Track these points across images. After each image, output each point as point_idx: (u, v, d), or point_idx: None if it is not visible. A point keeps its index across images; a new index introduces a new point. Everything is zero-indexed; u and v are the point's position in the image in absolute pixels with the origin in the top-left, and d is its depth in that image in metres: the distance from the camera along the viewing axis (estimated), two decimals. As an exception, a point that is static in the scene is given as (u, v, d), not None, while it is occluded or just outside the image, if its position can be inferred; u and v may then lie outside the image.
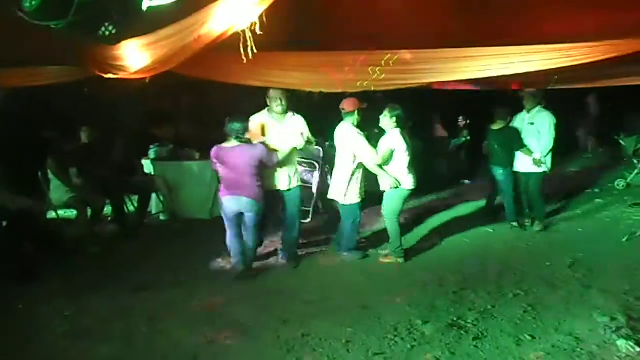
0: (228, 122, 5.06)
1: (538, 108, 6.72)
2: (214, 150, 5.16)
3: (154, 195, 7.61)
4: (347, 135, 5.61)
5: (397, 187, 5.56)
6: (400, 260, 5.74)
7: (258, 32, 2.30)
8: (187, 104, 9.71)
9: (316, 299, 4.82)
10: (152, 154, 7.88)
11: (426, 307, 4.59)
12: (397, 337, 4.06)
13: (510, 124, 6.91)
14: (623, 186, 8.66)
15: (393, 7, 3.90)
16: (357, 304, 4.68)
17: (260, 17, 2.25)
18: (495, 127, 6.90)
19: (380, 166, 5.55)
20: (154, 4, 1.74)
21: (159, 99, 8.31)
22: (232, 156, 5.07)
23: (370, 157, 5.54)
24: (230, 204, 5.14)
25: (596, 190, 8.78)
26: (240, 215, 5.23)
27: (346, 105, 5.62)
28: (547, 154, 6.65)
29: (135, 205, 7.36)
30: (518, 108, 6.94)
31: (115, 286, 5.19)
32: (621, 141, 9.20)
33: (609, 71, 4.94)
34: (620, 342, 3.76)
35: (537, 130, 6.65)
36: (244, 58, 2.43)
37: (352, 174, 5.66)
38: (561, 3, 3.66)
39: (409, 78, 4.29)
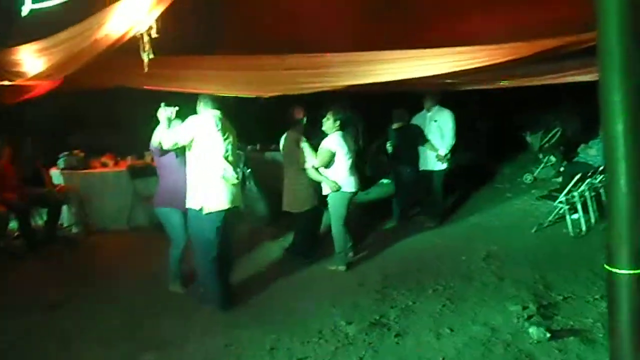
0: None
1: (438, 106, 7.08)
2: None
3: (65, 207, 7.17)
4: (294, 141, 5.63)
5: (337, 190, 5.51)
6: (342, 267, 5.58)
7: (154, 35, 2.22)
8: (100, 109, 9.24)
9: (241, 307, 4.73)
10: (61, 163, 7.45)
11: (350, 307, 4.63)
12: (321, 339, 4.06)
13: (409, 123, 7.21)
14: (530, 180, 9.17)
15: (308, 11, 3.93)
16: (282, 309, 4.65)
17: (160, 21, 2.18)
18: (395, 127, 7.15)
19: (317, 170, 5.51)
20: (36, 6, 1.62)
21: (70, 104, 7.84)
22: None
23: (310, 161, 5.52)
24: None
25: (506, 185, 9.24)
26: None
27: (295, 112, 5.65)
28: (449, 149, 6.99)
29: (45, 218, 6.91)
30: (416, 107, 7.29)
31: (23, 305, 4.87)
32: (527, 138, 9.74)
33: (517, 71, 5.20)
34: (532, 329, 3.95)
35: (439, 127, 6.99)
36: (145, 64, 2.34)
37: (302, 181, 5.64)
38: (469, 7, 3.79)
39: (325, 81, 4.30)
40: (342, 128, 5.58)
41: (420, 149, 7.13)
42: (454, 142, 6.99)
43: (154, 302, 4.88)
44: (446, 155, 6.97)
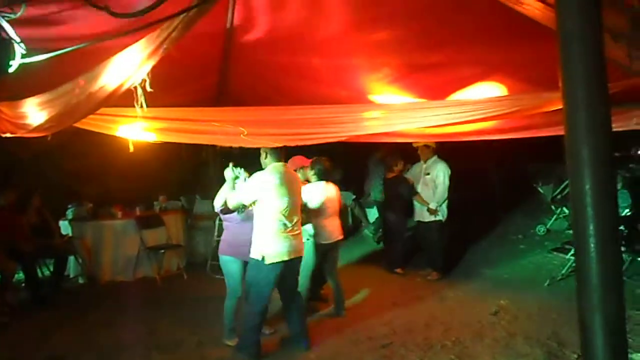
0: None
1: (434, 158, 7.09)
2: None
3: (72, 258, 7.18)
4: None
5: (308, 240, 5.39)
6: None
7: (148, 89, 2.27)
8: (109, 159, 9.38)
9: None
10: (69, 214, 7.51)
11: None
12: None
13: (408, 173, 7.21)
14: (543, 232, 9.01)
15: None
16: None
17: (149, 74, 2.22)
18: (387, 176, 7.20)
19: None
20: (26, 60, 1.66)
21: (78, 156, 7.98)
22: None
23: None
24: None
25: (519, 236, 9.09)
26: None
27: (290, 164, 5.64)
28: (442, 203, 6.93)
29: (51, 269, 6.91)
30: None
31: (26, 357, 4.80)
32: (540, 189, 9.64)
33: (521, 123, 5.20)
34: (545, 390, 3.77)
35: (432, 180, 6.97)
36: (139, 115, 2.38)
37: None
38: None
39: (321, 133, 4.33)
40: (322, 178, 5.54)
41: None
42: (445, 195, 6.96)
43: (160, 355, 4.78)
44: (437, 208, 6.93)
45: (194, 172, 9.53)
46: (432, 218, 6.98)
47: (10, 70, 1.66)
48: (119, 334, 5.39)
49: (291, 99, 4.47)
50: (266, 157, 4.58)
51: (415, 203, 7.11)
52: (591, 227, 0.61)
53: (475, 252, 8.07)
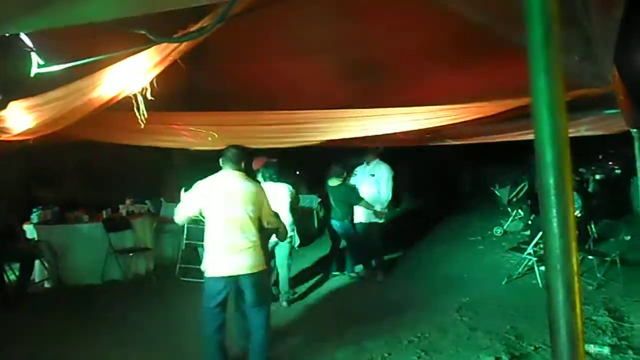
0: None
1: (377, 160, 7.32)
2: None
3: (37, 262, 7.08)
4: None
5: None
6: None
7: (149, 97, 2.37)
8: (73, 162, 9.27)
9: None
10: (34, 217, 7.40)
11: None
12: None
13: (352, 176, 7.41)
14: (500, 233, 9.44)
15: (285, 72, 4.15)
16: None
17: (152, 82, 2.34)
18: (332, 183, 7.28)
19: None
20: (42, 70, 1.75)
21: (42, 158, 7.88)
22: None
23: None
24: None
25: (478, 237, 9.47)
26: None
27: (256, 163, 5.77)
28: (386, 204, 7.18)
29: (16, 273, 6.80)
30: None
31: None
32: (496, 192, 10.08)
33: (483, 129, 5.51)
34: (504, 380, 4.03)
35: (377, 181, 7.20)
36: (140, 122, 2.47)
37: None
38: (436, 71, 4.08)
39: (297, 137, 4.49)
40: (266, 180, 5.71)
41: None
42: (390, 196, 7.18)
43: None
44: (383, 210, 7.15)
45: (159, 174, 9.49)
46: (377, 220, 7.17)
47: (31, 74, 1.74)
48: (86, 338, 5.35)
49: (263, 103, 4.60)
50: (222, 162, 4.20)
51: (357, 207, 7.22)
52: (554, 211, 0.79)
53: (436, 252, 8.40)
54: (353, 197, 7.14)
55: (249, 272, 4.03)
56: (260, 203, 4.18)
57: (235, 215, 4.01)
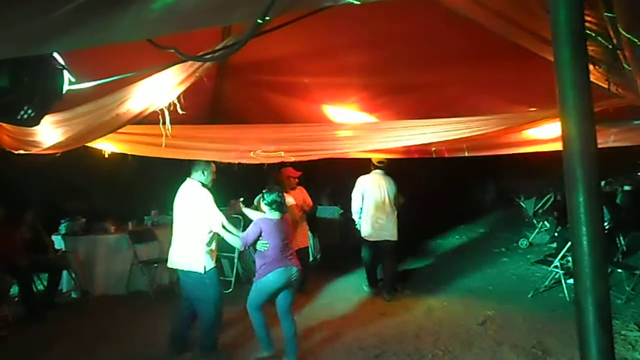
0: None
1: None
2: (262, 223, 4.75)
3: (65, 272, 7.21)
4: None
5: None
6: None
7: (180, 111, 2.42)
8: (100, 175, 9.44)
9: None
10: (62, 228, 7.56)
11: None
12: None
13: None
14: (526, 245, 9.30)
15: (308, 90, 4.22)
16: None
17: (179, 97, 2.39)
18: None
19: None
20: (73, 87, 1.80)
21: (70, 170, 8.05)
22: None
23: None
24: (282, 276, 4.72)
25: (502, 249, 9.34)
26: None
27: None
28: (359, 215, 6.94)
29: (45, 283, 6.94)
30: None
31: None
32: (522, 204, 9.95)
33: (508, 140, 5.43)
34: (531, 395, 3.95)
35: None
36: (164, 136, 2.53)
37: None
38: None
39: (322, 148, 4.48)
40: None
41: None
42: (357, 208, 6.92)
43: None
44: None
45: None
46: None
47: (64, 91, 1.80)
48: (112, 348, 5.43)
49: (284, 117, 4.63)
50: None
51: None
52: (583, 229, 0.78)
53: (461, 264, 8.30)
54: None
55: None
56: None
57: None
